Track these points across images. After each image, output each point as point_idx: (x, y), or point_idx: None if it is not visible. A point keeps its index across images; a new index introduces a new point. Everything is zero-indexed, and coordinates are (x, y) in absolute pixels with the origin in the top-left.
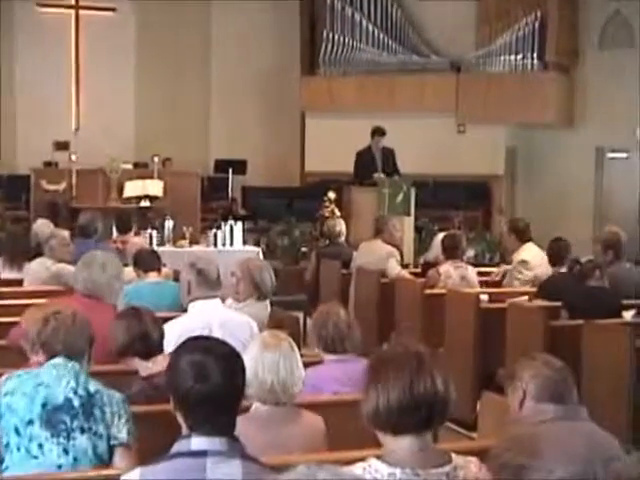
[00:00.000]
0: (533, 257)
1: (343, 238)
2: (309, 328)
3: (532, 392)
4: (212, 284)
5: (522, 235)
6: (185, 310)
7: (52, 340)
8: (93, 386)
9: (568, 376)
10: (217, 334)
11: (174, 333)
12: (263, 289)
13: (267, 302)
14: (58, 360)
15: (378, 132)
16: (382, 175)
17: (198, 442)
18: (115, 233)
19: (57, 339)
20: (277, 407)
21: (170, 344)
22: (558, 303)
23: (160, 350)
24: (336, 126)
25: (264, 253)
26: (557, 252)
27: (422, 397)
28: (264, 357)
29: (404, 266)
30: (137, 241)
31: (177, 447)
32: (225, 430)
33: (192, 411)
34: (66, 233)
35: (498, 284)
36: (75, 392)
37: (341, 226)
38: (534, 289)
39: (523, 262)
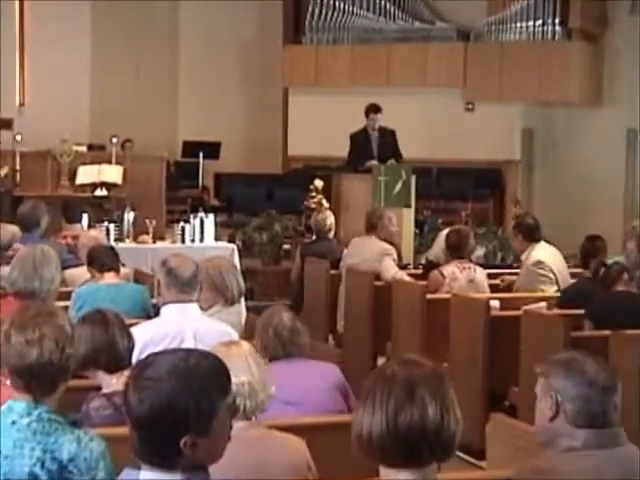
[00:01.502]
0: (548, 257)
1: (332, 234)
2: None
3: (567, 411)
4: (183, 286)
5: (531, 235)
6: (149, 317)
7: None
8: (68, 449)
9: (614, 391)
10: (189, 345)
11: (138, 341)
12: (228, 294)
13: (239, 307)
14: (18, 407)
15: (372, 109)
16: (375, 161)
17: (147, 476)
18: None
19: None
20: (247, 423)
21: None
22: (581, 311)
23: (128, 363)
24: (324, 104)
25: (240, 251)
26: (590, 253)
27: (406, 430)
28: (231, 363)
29: (402, 267)
30: (93, 235)
31: (122, 477)
32: (184, 463)
33: (141, 436)
34: (14, 228)
35: (511, 288)
36: (42, 464)
37: (330, 220)
38: (554, 294)
39: (538, 263)
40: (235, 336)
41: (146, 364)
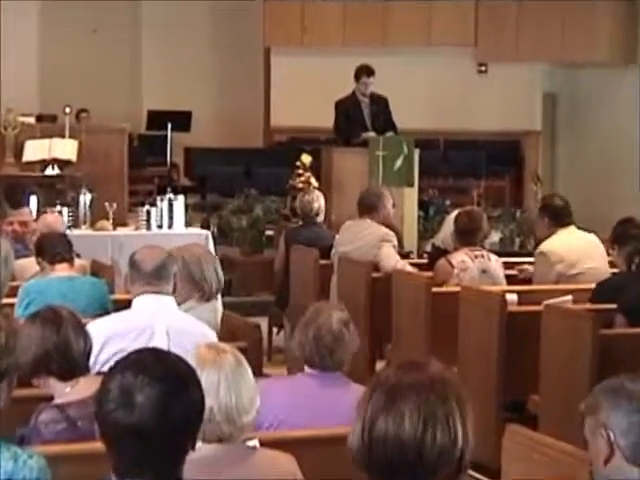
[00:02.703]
0: (563, 246)
1: (322, 217)
2: (280, 338)
3: (622, 448)
4: (148, 278)
5: (559, 218)
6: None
7: None
8: (4, 468)
9: None
10: (159, 342)
11: (97, 337)
12: (205, 287)
13: (216, 303)
14: None
15: (364, 71)
16: (372, 133)
17: None
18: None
19: None
20: (223, 445)
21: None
22: (612, 305)
23: (85, 369)
24: (312, 67)
25: (215, 238)
26: (625, 238)
27: (381, 444)
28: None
29: (404, 255)
30: (50, 221)
31: None
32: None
33: (116, 449)
34: None
35: (531, 279)
36: None
37: (319, 201)
38: (583, 286)
39: (541, 255)
40: (212, 337)
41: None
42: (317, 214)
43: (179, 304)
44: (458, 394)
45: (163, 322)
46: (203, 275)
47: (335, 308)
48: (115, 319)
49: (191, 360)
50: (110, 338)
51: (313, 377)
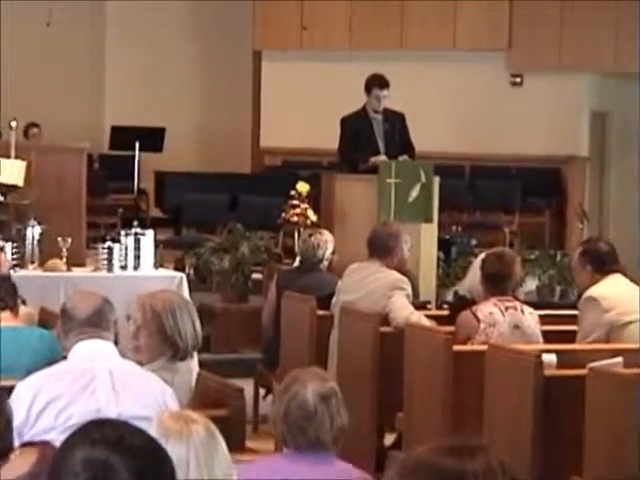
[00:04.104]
0: (614, 293)
1: (325, 265)
2: (268, 404)
3: None
4: (82, 327)
5: (603, 265)
6: None
7: None
8: None
9: None
10: (102, 386)
11: (26, 392)
12: (179, 343)
13: (191, 363)
14: None
15: (376, 83)
16: (383, 156)
17: None
18: None
19: None
20: None
21: (19, 409)
22: None
23: (9, 445)
24: (311, 74)
25: (191, 282)
26: None
27: None
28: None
29: (420, 306)
30: None
31: None
32: None
33: None
34: None
35: (574, 336)
36: None
37: (326, 247)
38: (636, 345)
39: (591, 300)
40: (168, 397)
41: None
42: (320, 261)
43: (145, 363)
44: None
45: (105, 363)
46: (177, 328)
47: (314, 377)
48: (47, 370)
49: (153, 431)
50: (42, 387)
51: (289, 458)
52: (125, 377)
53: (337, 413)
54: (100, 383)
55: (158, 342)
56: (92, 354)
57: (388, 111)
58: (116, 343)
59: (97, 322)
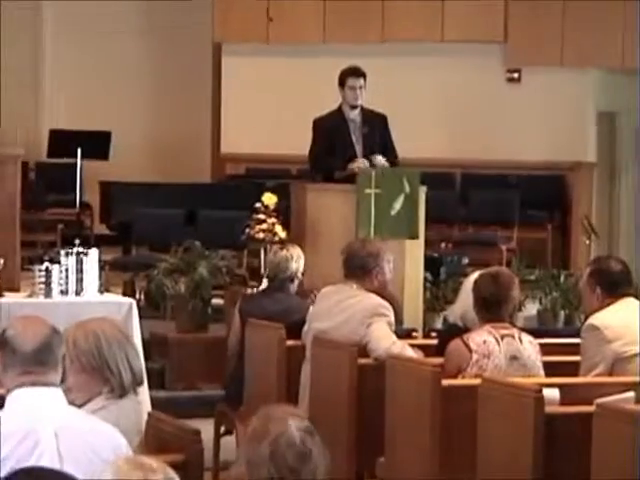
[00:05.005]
0: (618, 321)
1: (295, 286)
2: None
3: None
4: (26, 364)
5: (614, 287)
6: None
7: None
8: None
9: None
10: (47, 451)
11: None
12: (112, 380)
13: (135, 400)
14: None
15: (351, 72)
16: (364, 161)
17: None
18: None
19: None
20: None
21: None
22: None
23: None
24: (279, 70)
25: (142, 308)
26: None
27: None
28: None
29: (404, 334)
30: None
31: None
32: None
33: None
34: None
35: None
36: None
37: (298, 263)
38: None
39: (592, 329)
40: (122, 444)
41: None
42: (291, 279)
43: (82, 404)
44: None
45: (50, 424)
46: (106, 362)
47: (290, 414)
48: None
49: (108, 477)
50: None
51: None
52: (71, 441)
53: (322, 452)
54: (45, 449)
55: (85, 379)
56: (36, 411)
57: (367, 112)
58: (62, 381)
59: (43, 360)
